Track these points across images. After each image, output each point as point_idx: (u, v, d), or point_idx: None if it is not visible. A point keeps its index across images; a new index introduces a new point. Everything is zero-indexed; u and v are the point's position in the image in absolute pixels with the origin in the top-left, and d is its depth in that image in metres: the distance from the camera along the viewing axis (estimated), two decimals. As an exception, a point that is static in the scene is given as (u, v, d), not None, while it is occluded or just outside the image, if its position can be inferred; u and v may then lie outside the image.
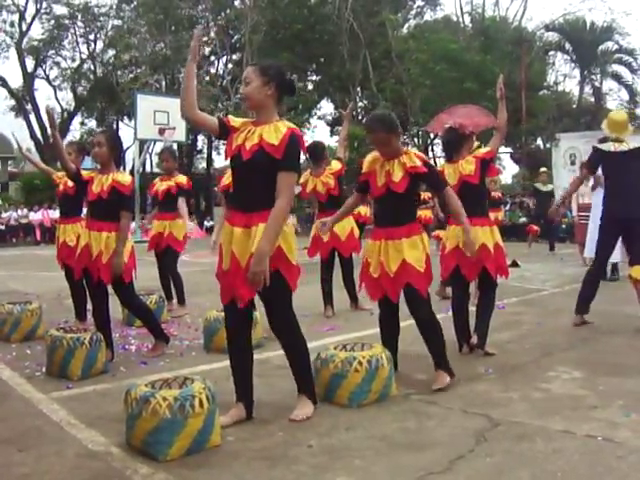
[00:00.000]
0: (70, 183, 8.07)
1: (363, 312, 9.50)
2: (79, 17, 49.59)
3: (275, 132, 4.82)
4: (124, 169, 40.72)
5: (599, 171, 11.84)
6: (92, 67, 51.92)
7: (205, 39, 44.01)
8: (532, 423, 4.87)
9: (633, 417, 4.95)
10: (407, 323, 6.20)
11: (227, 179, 8.01)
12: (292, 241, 4.94)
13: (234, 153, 4.95)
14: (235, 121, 5.10)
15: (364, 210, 18.92)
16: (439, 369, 5.85)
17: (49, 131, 7.68)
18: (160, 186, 9.96)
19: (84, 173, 7.36)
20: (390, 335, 6.14)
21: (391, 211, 5.85)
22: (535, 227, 19.75)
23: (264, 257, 4.62)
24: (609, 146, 8.18)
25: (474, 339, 6.90)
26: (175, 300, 10.01)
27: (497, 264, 6.90)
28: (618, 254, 11.07)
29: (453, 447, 4.42)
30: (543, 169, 21.95)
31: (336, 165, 9.34)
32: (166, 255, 9.91)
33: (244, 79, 4.96)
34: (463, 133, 6.91)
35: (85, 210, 7.86)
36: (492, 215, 7.99)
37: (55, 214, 16.67)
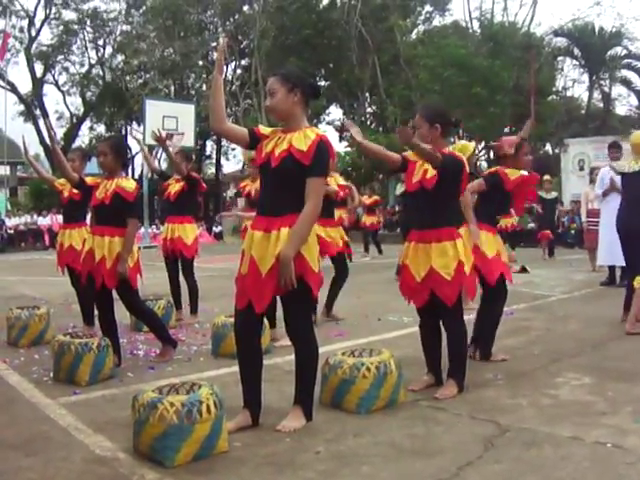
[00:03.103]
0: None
1: (366, 318, 9.53)
2: (88, 22, 49.73)
3: (304, 138, 4.82)
4: (133, 174, 40.90)
5: (616, 176, 11.98)
6: (101, 72, 52.01)
7: (214, 44, 44.11)
8: (541, 429, 4.85)
9: (643, 424, 4.93)
10: (414, 330, 6.18)
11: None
12: (315, 249, 4.93)
13: (264, 160, 4.93)
14: (265, 129, 5.11)
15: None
16: (451, 379, 5.82)
17: (50, 145, 7.68)
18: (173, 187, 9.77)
19: (89, 179, 7.37)
20: (429, 346, 6.10)
21: (423, 212, 5.86)
22: (548, 232, 19.77)
23: (289, 261, 4.64)
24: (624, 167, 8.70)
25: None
26: (185, 308, 9.86)
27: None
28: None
29: (461, 453, 4.40)
30: (546, 177, 21.96)
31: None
32: (182, 261, 9.71)
33: (268, 91, 4.96)
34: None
35: (89, 216, 7.86)
36: (503, 222, 8.00)
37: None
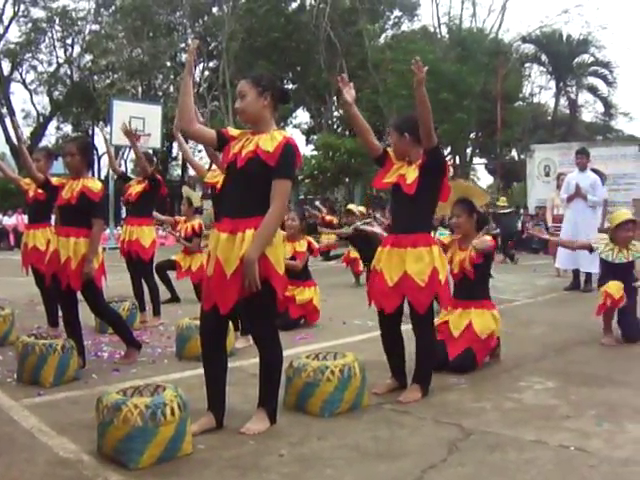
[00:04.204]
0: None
1: (331, 322, 9.62)
2: (57, 21, 49.52)
3: (271, 140, 4.83)
4: (99, 175, 40.69)
5: (582, 182, 12.13)
6: (69, 72, 51.81)
7: (182, 45, 44.06)
8: (504, 433, 4.88)
9: (605, 427, 4.97)
10: (378, 333, 6.18)
11: (212, 177, 7.95)
12: (280, 252, 4.94)
13: (230, 161, 4.94)
14: (233, 131, 5.13)
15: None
16: (416, 383, 5.83)
17: (17, 145, 7.61)
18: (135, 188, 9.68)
19: (55, 179, 7.34)
20: (392, 352, 6.11)
21: (399, 216, 5.91)
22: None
23: (253, 263, 4.64)
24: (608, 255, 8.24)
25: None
26: (148, 310, 9.79)
27: None
28: (592, 266, 11.16)
29: (425, 456, 4.42)
30: (501, 200, 22.58)
31: None
32: (138, 264, 9.66)
33: (238, 93, 4.96)
34: None
35: (54, 216, 7.79)
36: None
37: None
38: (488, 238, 6.94)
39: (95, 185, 6.85)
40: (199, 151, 48.78)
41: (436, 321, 6.48)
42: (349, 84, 5.66)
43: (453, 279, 6.89)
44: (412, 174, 5.69)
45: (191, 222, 12.00)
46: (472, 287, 6.96)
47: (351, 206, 17.94)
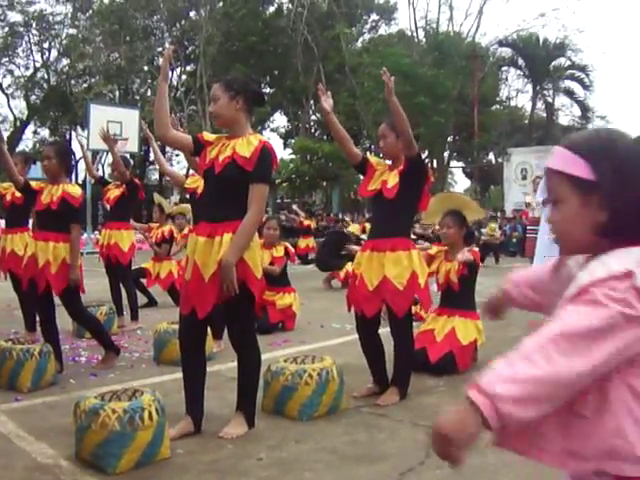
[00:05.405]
0: (18, 193, 7.99)
1: (309, 325, 9.62)
2: (34, 25, 49.19)
3: (247, 145, 4.85)
4: (77, 180, 40.48)
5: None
6: (46, 76, 51.51)
7: (159, 49, 43.98)
8: (483, 435, 4.88)
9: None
10: (356, 337, 6.19)
11: (192, 182, 7.94)
12: (257, 255, 4.95)
13: (207, 167, 4.95)
14: (209, 136, 5.14)
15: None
16: (394, 386, 5.86)
17: None
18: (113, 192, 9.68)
19: (33, 183, 7.31)
20: (371, 356, 6.12)
21: (379, 220, 5.95)
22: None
23: (230, 267, 4.65)
24: None
25: None
26: (126, 315, 9.75)
27: None
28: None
29: (403, 459, 4.43)
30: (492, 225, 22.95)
31: None
32: (117, 268, 9.65)
33: (212, 97, 4.99)
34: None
35: (32, 220, 7.75)
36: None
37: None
38: (469, 251, 6.98)
39: (75, 190, 6.84)
40: (176, 155, 48.85)
41: (417, 330, 6.52)
42: (327, 93, 5.67)
43: (438, 289, 6.94)
44: (393, 179, 5.71)
45: (162, 228, 11.99)
46: (457, 297, 7.04)
47: None
